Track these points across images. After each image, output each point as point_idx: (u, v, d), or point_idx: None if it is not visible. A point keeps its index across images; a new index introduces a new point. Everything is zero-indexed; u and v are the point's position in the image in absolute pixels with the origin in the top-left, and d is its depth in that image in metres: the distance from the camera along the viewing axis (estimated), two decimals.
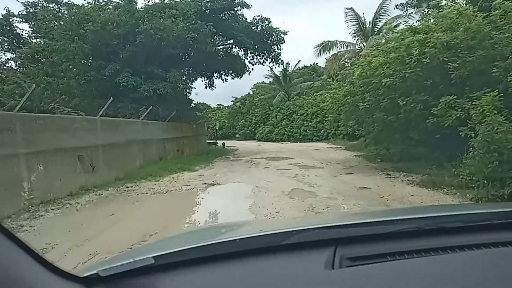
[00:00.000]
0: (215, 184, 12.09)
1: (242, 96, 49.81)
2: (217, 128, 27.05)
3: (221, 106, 57.51)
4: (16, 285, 0.76)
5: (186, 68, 22.07)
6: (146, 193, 10.73)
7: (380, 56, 12.47)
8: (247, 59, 24.83)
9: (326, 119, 38.58)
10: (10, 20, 23.65)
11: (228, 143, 34.45)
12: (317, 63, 52.25)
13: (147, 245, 2.67)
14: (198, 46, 20.15)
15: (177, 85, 18.72)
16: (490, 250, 1.16)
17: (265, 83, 48.54)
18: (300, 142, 38.09)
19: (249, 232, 1.39)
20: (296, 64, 45.31)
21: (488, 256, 1.15)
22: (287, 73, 44.39)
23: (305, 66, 52.49)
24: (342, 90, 14.57)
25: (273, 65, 24.16)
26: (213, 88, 27.65)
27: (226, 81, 26.64)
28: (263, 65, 24.47)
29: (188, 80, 20.50)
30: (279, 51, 23.72)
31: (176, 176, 13.96)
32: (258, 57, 24.31)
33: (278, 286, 1.05)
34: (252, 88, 52.11)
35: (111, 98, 13.95)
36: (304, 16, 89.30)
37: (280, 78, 44.46)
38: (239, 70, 25.79)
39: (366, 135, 16.43)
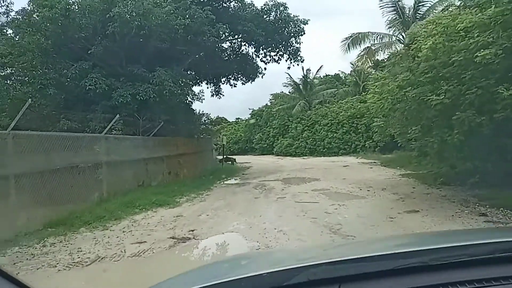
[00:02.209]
0: (189, 239, 6.95)
1: (259, 108, 44.87)
2: (224, 143, 22.03)
3: (239, 120, 52.70)
4: None
5: (183, 70, 17.17)
6: (56, 266, 5.73)
7: (471, 14, 7.17)
8: (258, 57, 19.84)
9: (358, 127, 33.50)
10: None
11: (242, 158, 29.38)
12: (338, 74, 47.14)
13: (178, 276, 1.83)
14: (193, 39, 15.30)
15: (164, 87, 13.78)
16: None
17: (284, 93, 43.38)
18: (324, 156, 32.61)
19: (253, 271, 1.33)
20: (318, 70, 39.99)
21: None
22: (308, 80, 39.20)
23: (327, 74, 47.26)
24: (395, 82, 9.20)
25: (291, 63, 19.10)
26: (221, 95, 22.83)
27: (235, 86, 21.78)
28: (278, 62, 19.43)
29: (182, 83, 15.65)
30: (297, 45, 18.63)
31: (140, 219, 8.93)
32: (272, 53, 19.25)
33: None
34: (270, 99, 47.15)
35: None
36: (323, 24, 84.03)
37: (300, 85, 39.28)
38: (250, 72, 20.83)
39: (423, 146, 10.91)
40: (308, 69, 38.90)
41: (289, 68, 19.48)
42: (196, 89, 22.20)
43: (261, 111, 43.34)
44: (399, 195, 10.86)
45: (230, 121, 53.41)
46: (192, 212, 9.44)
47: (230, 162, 25.96)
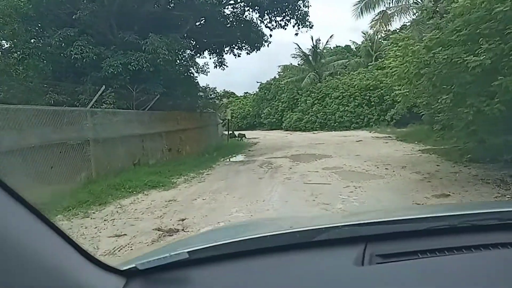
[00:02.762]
0: (177, 231, 5.79)
1: (267, 81, 43.15)
2: (229, 118, 20.74)
3: (247, 94, 51.09)
4: (62, 276, 0.77)
5: (181, 38, 15.69)
6: None
7: None
8: (263, 23, 18.21)
9: (371, 99, 31.31)
10: None
11: (250, 134, 28.09)
12: (349, 45, 44.84)
13: (183, 240, 2.38)
14: (189, 1, 13.80)
15: (157, 56, 12.41)
16: None
17: (293, 65, 41.44)
18: (335, 130, 31.15)
19: (281, 229, 1.38)
20: (328, 40, 37.88)
21: None
22: (318, 50, 37.25)
23: (337, 46, 45.08)
24: (421, 42, 7.68)
25: (299, 28, 17.45)
26: (224, 67, 21.36)
27: (239, 56, 20.25)
28: (285, 28, 17.80)
29: (182, 52, 14.27)
30: (305, 8, 16.95)
31: (128, 203, 7.80)
32: (278, 18, 17.61)
33: (308, 281, 1.02)
34: (278, 72, 45.29)
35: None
36: None
37: (310, 56, 37.38)
38: (254, 40, 19.23)
39: (450, 118, 9.44)
40: (317, 39, 36.91)
41: (296, 34, 17.86)
42: (200, 61, 20.84)
43: (269, 85, 41.68)
44: (423, 174, 9.55)
45: (239, 95, 51.86)
46: (187, 196, 8.27)
47: (238, 138, 24.72)
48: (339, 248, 1.15)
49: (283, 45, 57.41)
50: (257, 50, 19.94)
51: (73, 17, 12.40)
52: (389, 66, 9.40)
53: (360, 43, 41.74)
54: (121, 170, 10.88)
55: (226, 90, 50.45)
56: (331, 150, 15.92)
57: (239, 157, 15.78)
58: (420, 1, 18.71)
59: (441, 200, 6.88)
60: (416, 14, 16.81)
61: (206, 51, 20.53)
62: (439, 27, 7.34)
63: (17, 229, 0.72)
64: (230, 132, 27.80)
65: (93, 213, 7.17)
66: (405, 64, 8.14)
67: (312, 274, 1.04)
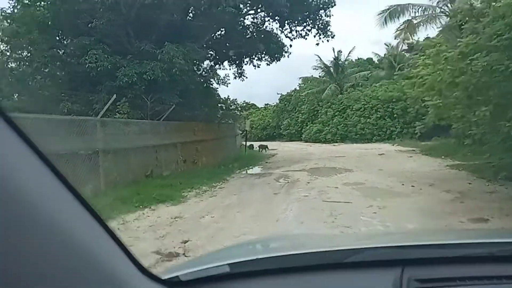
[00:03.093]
0: (177, 255, 5.16)
1: (288, 93, 42.54)
2: (247, 129, 20.16)
3: (268, 105, 50.52)
4: (108, 279, 0.78)
5: (200, 48, 15.26)
6: None
7: None
8: (283, 32, 17.68)
9: (394, 111, 30.03)
10: None
11: (269, 145, 27.39)
12: (371, 58, 43.81)
13: (224, 250, 2.30)
14: (208, 11, 13.41)
15: (173, 65, 12.00)
16: None
17: (313, 77, 40.65)
18: (356, 143, 30.12)
19: (320, 247, 1.37)
20: (350, 52, 37.10)
21: None
22: (339, 62, 36.48)
23: (359, 58, 44.05)
24: (456, 48, 6.90)
25: (320, 38, 16.81)
26: (244, 78, 20.86)
27: (258, 67, 19.71)
28: (305, 38, 17.22)
29: (200, 62, 13.87)
30: (327, 18, 16.33)
31: (132, 219, 7.25)
32: (298, 28, 17.04)
33: None
34: (299, 84, 44.58)
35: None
36: (354, 5, 79.46)
37: (331, 68, 36.64)
38: (274, 51, 18.69)
39: (486, 132, 8.54)
40: (339, 51, 36.19)
41: (317, 44, 17.22)
42: (221, 73, 20.45)
43: (290, 96, 41.08)
44: (453, 193, 8.64)
45: (259, 107, 51.36)
46: (196, 213, 7.66)
47: (260, 150, 23.97)
48: (376, 270, 1.12)
49: (305, 57, 56.79)
50: (277, 61, 19.39)
51: (89, 25, 12.15)
52: (418, 75, 8.61)
53: (383, 55, 40.74)
54: (131, 182, 10.41)
55: (247, 101, 50.35)
56: (352, 164, 15.08)
57: (256, 170, 15.14)
58: (448, 8, 17.84)
59: (478, 226, 6.02)
60: (446, 21, 15.91)
61: (226, 62, 20.10)
62: (476, 31, 6.54)
63: (80, 231, 0.74)
64: (250, 143, 27.33)
65: None
66: (438, 72, 7.33)
67: None
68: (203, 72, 18.27)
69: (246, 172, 14.35)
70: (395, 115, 30.26)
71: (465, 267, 1.11)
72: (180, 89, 13.87)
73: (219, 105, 21.10)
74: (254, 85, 73.23)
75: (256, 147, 25.08)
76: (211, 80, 19.51)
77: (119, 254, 0.84)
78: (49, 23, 12.46)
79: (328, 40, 16.89)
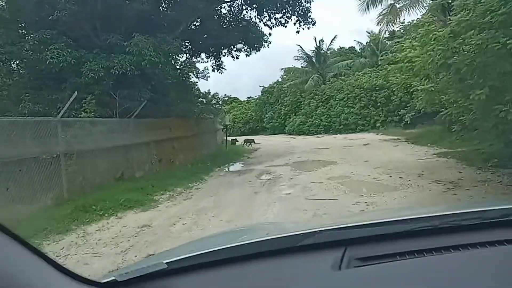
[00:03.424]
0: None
1: (270, 85, 41.76)
2: (227, 124, 19.37)
3: (250, 99, 49.65)
4: None
5: (174, 39, 14.30)
6: None
7: None
8: (261, 21, 16.86)
9: (378, 100, 28.69)
10: None
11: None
12: (353, 46, 43.23)
13: (162, 252, 2.38)
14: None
15: (144, 58, 11.09)
16: (504, 247, 1.07)
17: (295, 67, 39.97)
18: (340, 133, 29.63)
19: (259, 236, 1.39)
20: (332, 40, 36.41)
21: (501, 254, 1.07)
22: (321, 51, 35.88)
23: (341, 47, 43.41)
24: (445, 26, 6.23)
25: (300, 25, 16.02)
26: (222, 70, 20.04)
27: (237, 58, 18.87)
28: (285, 26, 16.42)
29: (173, 54, 12.93)
30: (307, 4, 15.57)
31: (94, 231, 6.45)
32: (277, 15, 16.23)
33: (285, 287, 1.02)
34: (281, 75, 43.80)
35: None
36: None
37: (313, 58, 36.04)
38: (253, 41, 17.84)
39: (477, 118, 7.93)
40: (321, 40, 35.65)
41: (298, 32, 16.42)
42: (200, 66, 19.61)
43: (272, 88, 40.33)
44: (445, 184, 8.07)
45: (242, 100, 50.47)
46: (166, 219, 6.88)
47: (245, 144, 23.20)
48: (318, 253, 1.12)
49: (288, 48, 56.12)
50: (256, 51, 18.56)
51: (50, 18, 11.11)
52: (405, 59, 7.94)
53: (365, 44, 40.27)
54: (99, 187, 9.55)
55: (230, 96, 49.38)
56: (337, 156, 14.47)
57: (236, 166, 14.39)
58: None
59: None
60: (429, 3, 15.32)
61: (203, 54, 19.21)
62: (468, 7, 5.87)
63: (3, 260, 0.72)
64: (232, 138, 26.49)
65: (48, 245, 5.82)
66: (428, 54, 6.64)
67: (290, 280, 1.03)
68: (179, 65, 17.37)
69: (227, 169, 13.59)
70: (378, 104, 29.86)
71: (406, 242, 1.11)
72: (152, 83, 12.93)
73: (198, 99, 20.28)
74: (237, 78, 72.25)
75: (240, 142, 24.30)
76: (188, 73, 18.65)
77: (40, 264, 0.80)
78: (7, 16, 11.38)
79: (309, 28, 16.14)
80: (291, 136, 31.76)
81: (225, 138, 19.96)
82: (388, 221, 1.32)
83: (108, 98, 11.34)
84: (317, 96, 33.43)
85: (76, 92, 9.10)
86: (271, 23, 16.61)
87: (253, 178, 10.85)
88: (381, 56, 33.58)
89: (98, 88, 11.21)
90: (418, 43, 8.11)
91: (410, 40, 9.18)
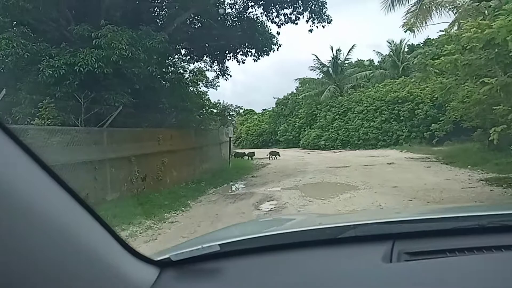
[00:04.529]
0: None
1: (284, 96, 39.28)
2: (230, 136, 16.95)
3: (265, 111, 47.21)
4: (101, 265, 0.80)
5: (164, 39, 11.90)
6: None
7: None
8: (269, 18, 14.46)
9: (401, 113, 25.33)
10: None
11: (262, 153, 24.06)
12: (371, 59, 40.48)
13: (215, 232, 2.30)
14: None
15: (112, 52, 8.76)
16: None
17: (311, 78, 37.29)
18: (359, 149, 26.83)
19: (309, 225, 1.38)
20: (349, 50, 33.69)
21: None
22: (338, 61, 33.27)
23: (359, 59, 40.60)
24: None
25: (313, 23, 13.54)
26: (227, 77, 17.79)
27: (243, 62, 16.55)
28: (296, 23, 13.96)
29: (156, 47, 10.44)
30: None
31: None
32: (287, 11, 13.79)
33: (335, 277, 1.01)
34: (296, 87, 41.24)
35: None
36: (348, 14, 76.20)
37: (329, 68, 33.43)
38: (261, 43, 15.46)
39: None
40: (338, 49, 33.08)
41: (310, 31, 13.88)
42: (210, 75, 17.41)
43: (286, 100, 37.84)
44: None
45: (257, 112, 48.12)
46: None
47: (271, 157, 21.63)
48: (367, 245, 1.11)
49: (306, 61, 53.70)
50: (265, 55, 16.18)
51: (6, 2, 8.93)
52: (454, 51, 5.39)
53: (385, 55, 37.44)
54: None
55: (241, 107, 47.01)
56: (358, 178, 11.77)
57: (235, 187, 11.81)
58: None
59: None
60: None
61: (207, 58, 16.93)
62: None
63: (72, 224, 0.74)
64: (239, 151, 24.09)
65: None
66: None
67: (340, 270, 1.04)
68: (174, 68, 15.11)
69: (222, 191, 11.00)
70: (401, 118, 26.95)
71: (455, 239, 1.10)
72: (136, 87, 10.62)
73: (208, 109, 18.01)
74: (253, 91, 70.38)
75: (255, 155, 22.14)
76: (184, 77, 16.44)
77: (109, 241, 0.85)
78: None
79: (323, 26, 13.58)
80: (306, 150, 29.05)
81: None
82: (436, 218, 1.31)
83: (73, 102, 9.03)
84: (333, 109, 30.73)
85: (4, 90, 6.76)
86: (280, 21, 14.18)
87: (249, 208, 8.25)
88: (402, 68, 30.87)
89: (60, 90, 8.93)
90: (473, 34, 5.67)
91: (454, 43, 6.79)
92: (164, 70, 12.68)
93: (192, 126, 15.25)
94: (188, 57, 15.99)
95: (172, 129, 13.29)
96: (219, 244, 1.04)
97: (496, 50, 5.39)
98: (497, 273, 0.95)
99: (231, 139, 17.99)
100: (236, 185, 12.18)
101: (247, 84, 70.45)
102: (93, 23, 9.90)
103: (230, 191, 10.93)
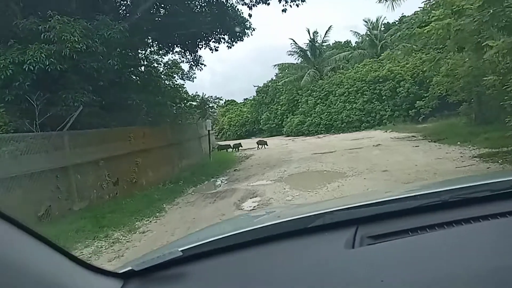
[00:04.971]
0: None
1: (264, 83, 38.38)
2: (209, 129, 16.06)
3: (246, 100, 46.23)
4: (56, 285, 0.77)
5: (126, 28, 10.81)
6: None
7: None
8: (240, 1, 13.55)
9: (383, 92, 24.87)
10: None
11: (245, 144, 23.28)
12: (349, 40, 39.79)
13: (176, 240, 2.25)
14: None
15: (65, 46, 7.76)
16: None
17: (290, 63, 36.44)
18: (343, 132, 26.30)
19: (271, 220, 1.36)
20: (327, 31, 32.86)
21: None
22: (316, 44, 32.52)
23: (336, 41, 39.84)
24: None
25: (288, 3, 12.67)
26: (201, 67, 16.91)
27: (216, 50, 15.62)
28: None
29: (114, 37, 9.32)
30: None
31: None
32: None
33: (300, 267, 1.00)
34: (276, 73, 40.34)
35: None
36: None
37: (308, 52, 32.68)
38: (233, 27, 14.57)
39: None
40: (315, 32, 32.33)
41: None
42: (185, 67, 16.51)
43: (266, 87, 36.97)
44: None
45: (238, 102, 47.12)
46: None
47: (261, 145, 21.42)
48: (330, 233, 1.11)
49: (284, 47, 52.64)
50: (239, 40, 15.30)
51: None
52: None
53: (363, 35, 36.81)
54: None
55: (220, 97, 46.01)
56: (344, 164, 11.11)
57: (216, 184, 10.99)
58: None
59: None
60: None
61: (177, 47, 15.93)
62: None
63: (21, 254, 0.72)
64: (222, 144, 23.29)
65: None
66: None
67: (304, 261, 1.03)
68: (146, 61, 14.13)
69: (202, 190, 10.17)
70: (383, 97, 26.49)
71: (417, 218, 1.10)
72: (100, 83, 9.64)
73: (183, 103, 17.05)
74: (233, 80, 69.04)
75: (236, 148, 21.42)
76: (158, 70, 15.48)
77: (57, 258, 0.82)
78: None
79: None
80: (289, 138, 28.38)
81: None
82: (398, 198, 1.31)
83: (26, 105, 8.03)
84: (315, 93, 30.06)
85: None
86: (251, 1, 13.27)
87: (230, 208, 7.47)
88: (380, 47, 30.35)
89: (9, 93, 7.91)
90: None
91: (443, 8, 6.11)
92: (128, 63, 11.64)
93: (167, 122, 14.33)
94: (157, 48, 14.93)
95: (145, 126, 12.37)
96: (181, 250, 1.02)
97: (491, 11, 4.72)
98: (458, 248, 0.94)
99: (210, 132, 17.09)
100: (217, 181, 11.36)
101: (226, 74, 69.14)
102: (44, 16, 8.84)
103: (210, 189, 10.10)
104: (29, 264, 0.72)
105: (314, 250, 1.07)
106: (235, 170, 13.36)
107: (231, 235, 1.20)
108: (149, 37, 13.98)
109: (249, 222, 1.62)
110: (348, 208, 1.24)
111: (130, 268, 1.01)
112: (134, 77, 12.76)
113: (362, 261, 0.96)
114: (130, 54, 11.33)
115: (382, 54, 29.25)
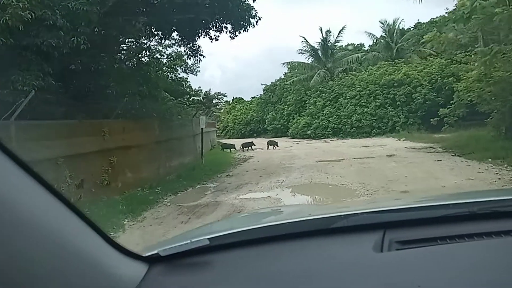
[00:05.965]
0: None
1: (272, 82, 36.55)
2: (202, 127, 14.35)
3: (254, 98, 44.42)
4: (87, 263, 0.78)
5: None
6: None
7: None
8: None
9: (397, 98, 22.89)
10: None
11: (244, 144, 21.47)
12: (362, 43, 37.81)
13: (203, 227, 2.33)
14: None
15: (5, 13, 6.01)
16: None
17: (299, 62, 34.50)
18: (352, 138, 24.37)
19: (299, 216, 1.35)
20: (340, 31, 30.91)
21: None
22: (328, 44, 30.57)
23: (349, 44, 37.78)
24: None
25: None
26: (199, 57, 15.22)
27: (216, 39, 13.80)
28: None
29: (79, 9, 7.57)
30: None
31: None
32: None
33: (326, 266, 0.99)
34: (285, 73, 38.44)
35: None
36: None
37: (319, 51, 30.72)
38: (236, 15, 12.77)
39: None
40: (327, 31, 30.36)
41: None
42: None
43: (274, 86, 35.16)
44: None
45: (245, 100, 45.41)
46: None
47: (272, 147, 20.15)
48: (358, 234, 1.09)
49: (296, 47, 50.85)
50: (243, 30, 13.46)
51: None
52: None
53: (377, 37, 34.71)
54: None
55: (225, 94, 44.45)
56: (354, 177, 9.28)
57: (199, 194, 9.14)
58: None
59: None
60: None
61: (174, 34, 14.23)
62: None
63: (58, 225, 0.73)
64: (223, 143, 21.60)
65: None
66: None
67: (331, 260, 1.02)
68: (135, 46, 12.41)
69: (180, 201, 8.37)
70: (397, 102, 24.47)
71: (445, 227, 1.08)
72: (57, 64, 7.91)
73: (183, 97, 15.42)
74: (243, 79, 67.54)
75: (237, 148, 19.77)
76: (155, 59, 13.78)
77: (95, 238, 0.83)
78: None
79: None
80: (294, 140, 26.52)
81: (201, 145, 14.84)
82: (427, 206, 1.29)
83: None
84: (324, 94, 28.14)
85: None
86: None
87: None
88: (396, 50, 28.39)
89: None
90: None
91: None
92: (107, 45, 9.92)
93: (156, 116, 12.59)
94: (149, 33, 13.19)
95: (127, 120, 10.67)
96: (208, 238, 1.01)
97: None
98: (487, 260, 0.93)
99: (204, 129, 15.29)
100: (202, 189, 9.56)
101: (237, 72, 67.64)
102: None
103: (190, 200, 8.31)
104: (68, 237, 0.73)
105: (342, 250, 1.06)
106: (227, 175, 11.56)
107: (259, 227, 1.20)
108: (140, 21, 12.24)
109: (277, 216, 1.67)
110: (376, 211, 1.24)
111: (156, 252, 1.00)
112: (117, 64, 11.05)
113: (392, 265, 0.95)
114: (110, 35, 9.59)
115: (397, 59, 27.38)
